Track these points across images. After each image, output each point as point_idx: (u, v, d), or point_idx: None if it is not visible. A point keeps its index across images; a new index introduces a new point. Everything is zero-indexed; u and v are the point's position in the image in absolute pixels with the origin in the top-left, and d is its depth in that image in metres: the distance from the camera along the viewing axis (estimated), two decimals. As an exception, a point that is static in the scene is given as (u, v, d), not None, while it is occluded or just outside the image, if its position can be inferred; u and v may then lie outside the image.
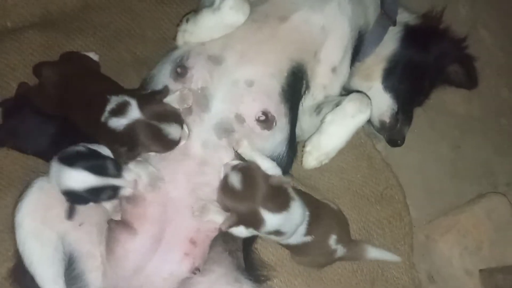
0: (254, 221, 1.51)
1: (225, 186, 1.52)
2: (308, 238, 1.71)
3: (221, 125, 1.63)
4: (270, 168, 1.59)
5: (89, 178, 1.47)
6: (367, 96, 1.71)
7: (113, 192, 1.53)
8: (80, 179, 1.47)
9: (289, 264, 1.92)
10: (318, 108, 1.78)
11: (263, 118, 1.65)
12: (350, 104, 1.66)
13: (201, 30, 1.68)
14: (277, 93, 1.67)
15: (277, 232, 1.57)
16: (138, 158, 1.60)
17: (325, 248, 1.78)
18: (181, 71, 1.67)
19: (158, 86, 1.72)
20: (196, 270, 1.65)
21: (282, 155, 1.74)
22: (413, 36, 1.97)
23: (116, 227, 1.64)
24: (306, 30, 1.72)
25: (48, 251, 1.54)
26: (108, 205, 1.64)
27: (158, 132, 1.50)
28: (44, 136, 1.73)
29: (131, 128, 1.50)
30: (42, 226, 1.54)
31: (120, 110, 1.51)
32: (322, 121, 1.67)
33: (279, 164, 1.69)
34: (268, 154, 1.68)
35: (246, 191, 1.50)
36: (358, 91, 1.88)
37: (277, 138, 1.70)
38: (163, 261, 1.63)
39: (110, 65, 1.99)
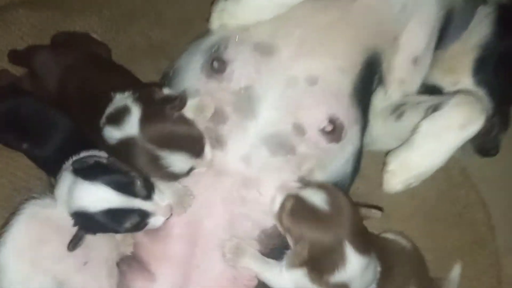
0: (334, 259, 1.11)
1: (297, 208, 1.13)
2: None
3: (273, 138, 1.22)
4: None
5: (112, 197, 1.11)
6: (478, 98, 1.28)
7: (140, 219, 1.15)
8: (100, 197, 1.11)
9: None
10: (398, 111, 1.37)
11: (329, 127, 1.23)
12: (458, 110, 1.25)
13: (246, 9, 1.28)
14: (347, 94, 1.26)
15: None
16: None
17: (403, 307, 1.38)
18: (218, 66, 1.26)
19: (185, 84, 1.32)
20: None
21: (347, 175, 1.34)
22: (509, 18, 1.54)
23: (128, 269, 1.27)
24: (384, 9, 1.31)
25: None
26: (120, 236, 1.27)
27: (155, 160, 1.13)
28: (56, 132, 1.33)
29: (125, 145, 1.13)
30: (33, 269, 1.18)
31: (117, 117, 1.14)
32: (414, 132, 1.26)
33: (341, 185, 1.30)
34: (332, 176, 1.28)
35: (335, 215, 1.11)
36: (436, 89, 1.48)
37: (346, 153, 1.30)
38: None
39: (118, 51, 1.62)
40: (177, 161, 1.13)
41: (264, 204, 1.21)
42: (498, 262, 1.66)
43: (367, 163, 1.48)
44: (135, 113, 1.13)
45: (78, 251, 1.20)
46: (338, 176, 1.31)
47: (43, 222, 1.20)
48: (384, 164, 1.31)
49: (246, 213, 1.22)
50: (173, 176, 1.16)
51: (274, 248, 1.25)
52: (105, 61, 1.50)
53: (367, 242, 1.15)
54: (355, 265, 1.11)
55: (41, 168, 1.37)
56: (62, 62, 1.38)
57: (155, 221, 1.17)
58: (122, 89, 1.20)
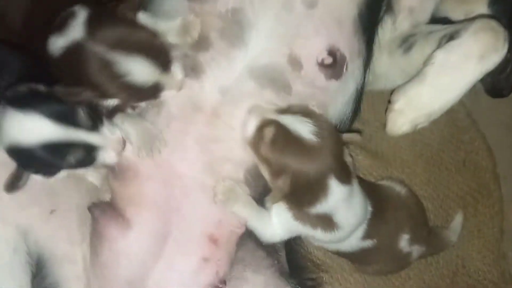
0: (316, 190, 1.02)
1: (279, 137, 1.00)
2: (369, 243, 1.20)
3: (265, 72, 1.05)
4: None
5: (49, 128, 0.94)
6: (499, 24, 1.11)
7: (85, 154, 0.99)
8: (35, 128, 0.94)
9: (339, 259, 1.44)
10: (406, 43, 1.21)
11: (329, 60, 1.06)
12: (478, 38, 1.07)
13: None
14: (351, 20, 1.08)
15: (329, 223, 1.07)
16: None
17: (394, 254, 1.28)
18: None
19: (165, 5, 1.12)
20: (221, 284, 1.13)
21: (347, 116, 1.18)
22: None
23: (102, 215, 1.11)
24: None
25: (4, 255, 1.05)
26: (94, 177, 1.13)
27: (107, 66, 0.94)
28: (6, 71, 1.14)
29: (71, 54, 0.95)
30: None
31: (61, 24, 0.96)
32: (427, 64, 1.08)
33: (341, 129, 1.15)
34: (333, 117, 1.13)
35: (321, 145, 1.00)
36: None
37: (346, 93, 1.14)
38: (170, 270, 1.11)
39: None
40: (136, 67, 0.94)
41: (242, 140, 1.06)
42: (502, 211, 1.57)
43: (363, 106, 1.32)
44: (81, 16, 0.96)
45: (44, 197, 1.08)
46: (335, 118, 1.16)
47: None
48: (389, 102, 1.15)
49: (223, 153, 1.07)
50: (135, 92, 0.98)
51: (263, 192, 1.12)
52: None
53: (348, 171, 1.05)
54: (337, 195, 1.03)
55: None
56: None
57: (104, 156, 1.01)
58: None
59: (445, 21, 1.34)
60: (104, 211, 1.10)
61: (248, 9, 1.04)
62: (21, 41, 1.24)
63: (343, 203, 1.04)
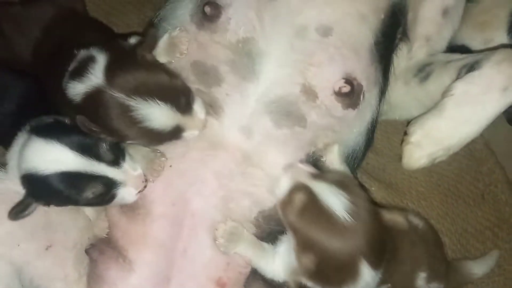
0: (344, 273, 0.92)
1: (310, 207, 0.91)
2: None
3: (279, 105, 1.02)
4: None
5: (69, 158, 0.91)
6: None
7: (105, 189, 0.94)
8: (55, 156, 0.91)
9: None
10: (423, 72, 1.16)
11: (346, 89, 1.01)
12: (501, 69, 1.02)
13: None
14: (367, 47, 1.05)
15: None
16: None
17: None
18: (210, 11, 1.03)
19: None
20: (228, 327, 1.06)
21: (360, 147, 1.14)
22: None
23: (100, 257, 1.06)
24: None
25: None
26: (90, 211, 1.08)
27: (126, 112, 0.91)
28: (11, 96, 1.14)
29: (91, 100, 0.93)
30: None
31: (80, 70, 0.94)
32: (445, 95, 1.03)
33: (353, 161, 1.12)
34: (347, 147, 1.08)
35: (354, 225, 0.89)
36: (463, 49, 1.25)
37: (362, 123, 1.09)
38: None
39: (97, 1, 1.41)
40: (154, 113, 0.91)
41: (268, 181, 1.01)
42: (523, 247, 1.49)
43: (377, 135, 1.28)
44: (101, 60, 0.93)
45: (40, 233, 1.02)
46: (349, 150, 1.11)
47: (-3, 197, 1.00)
48: (405, 133, 1.10)
49: (244, 190, 1.02)
50: (156, 136, 0.95)
51: (270, 232, 1.06)
52: (81, 17, 1.29)
53: (383, 252, 0.96)
54: (367, 280, 0.93)
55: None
56: (37, 21, 1.19)
57: (124, 193, 0.96)
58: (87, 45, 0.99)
59: (463, 49, 1.30)
60: (102, 252, 1.05)
61: (259, 38, 1.00)
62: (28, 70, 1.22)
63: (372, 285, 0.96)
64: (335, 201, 0.90)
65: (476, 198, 1.49)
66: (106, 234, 1.08)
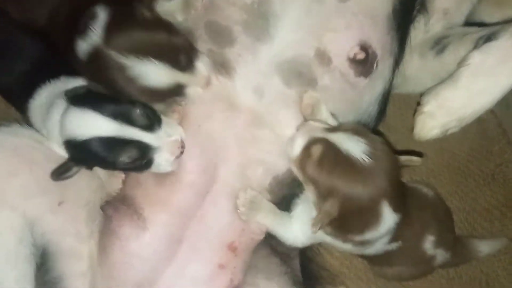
0: (366, 218, 0.93)
1: (328, 156, 0.91)
2: (394, 245, 1.11)
3: (291, 66, 1.01)
4: None
5: (104, 123, 0.93)
6: None
7: (141, 154, 0.95)
8: (91, 123, 0.94)
9: (358, 266, 1.39)
10: (439, 45, 1.14)
11: (361, 55, 1.01)
12: None
13: None
14: (384, 16, 1.03)
15: (362, 243, 1.01)
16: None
17: (418, 256, 1.21)
18: None
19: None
20: (234, 292, 1.08)
21: (372, 118, 1.13)
22: None
23: (115, 213, 1.07)
24: None
25: (9, 243, 1.00)
26: (103, 173, 1.09)
27: (122, 71, 0.93)
28: (23, 58, 1.14)
29: (94, 59, 0.94)
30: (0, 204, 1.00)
31: (85, 29, 0.94)
32: (461, 65, 1.02)
33: None
34: (355, 118, 1.08)
35: (375, 168, 0.89)
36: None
37: (374, 92, 1.08)
38: (183, 275, 1.05)
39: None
40: (149, 71, 0.91)
41: (279, 144, 1.01)
42: (531, 228, 1.49)
43: (390, 111, 1.27)
44: (102, 17, 0.93)
45: (53, 188, 1.03)
46: (361, 118, 1.11)
47: (10, 152, 1.02)
48: (418, 104, 1.09)
49: (259, 156, 1.02)
50: (156, 94, 0.95)
51: (284, 197, 1.07)
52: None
53: (403, 196, 0.96)
54: (389, 224, 0.94)
55: (5, 99, 1.18)
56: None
57: (161, 159, 0.97)
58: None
59: (481, 25, 1.28)
60: (117, 209, 1.06)
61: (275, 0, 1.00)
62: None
63: (392, 229, 0.97)
64: (353, 145, 0.90)
65: (486, 177, 1.50)
66: (119, 191, 1.08)
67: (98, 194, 1.10)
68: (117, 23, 0.94)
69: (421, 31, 1.16)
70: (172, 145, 0.97)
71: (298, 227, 1.03)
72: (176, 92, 0.97)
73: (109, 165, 0.98)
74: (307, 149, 0.93)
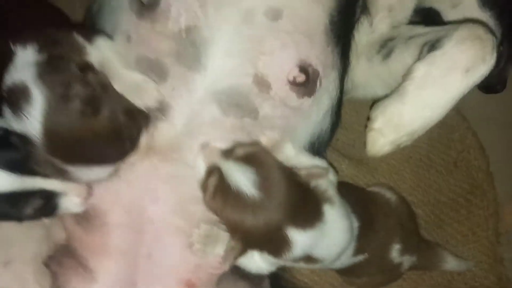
0: (276, 244, 0.91)
1: (221, 189, 0.88)
2: (360, 257, 1.10)
3: (229, 96, 0.94)
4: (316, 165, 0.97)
5: (4, 179, 0.85)
6: (486, 30, 0.98)
7: (44, 201, 0.90)
8: None
9: (329, 272, 1.34)
10: (385, 48, 1.09)
11: (301, 78, 0.94)
12: (463, 49, 0.94)
13: None
14: (322, 29, 0.96)
15: (309, 259, 0.98)
16: None
17: (385, 265, 1.19)
18: (148, 0, 0.93)
19: (112, 24, 1.00)
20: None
21: (324, 132, 1.07)
22: None
23: (60, 269, 1.01)
24: None
25: None
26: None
27: (62, 173, 0.88)
28: None
29: (26, 144, 0.86)
30: None
31: (15, 101, 0.84)
32: (407, 77, 0.96)
33: (319, 144, 1.06)
34: (306, 139, 1.02)
35: (265, 199, 0.87)
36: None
37: (321, 109, 1.02)
38: None
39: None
40: (91, 173, 0.87)
41: None
42: (497, 213, 1.47)
43: (345, 109, 1.22)
44: (37, 101, 0.82)
45: None
46: (312, 137, 1.05)
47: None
48: (368, 118, 1.03)
49: (192, 192, 0.95)
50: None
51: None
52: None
53: (313, 210, 0.93)
54: (303, 243, 0.91)
55: None
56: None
57: (68, 203, 0.92)
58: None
59: (431, 12, 1.22)
60: (61, 263, 1.00)
61: (202, 26, 0.91)
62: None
63: (317, 242, 0.93)
64: (241, 177, 0.86)
65: (449, 166, 1.46)
66: (65, 241, 1.02)
67: (44, 245, 1.03)
68: (57, 120, 0.83)
69: (366, 34, 1.10)
70: (78, 187, 0.92)
71: (257, 256, 0.98)
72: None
73: (13, 219, 0.91)
74: (206, 178, 0.90)
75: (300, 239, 0.90)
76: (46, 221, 1.02)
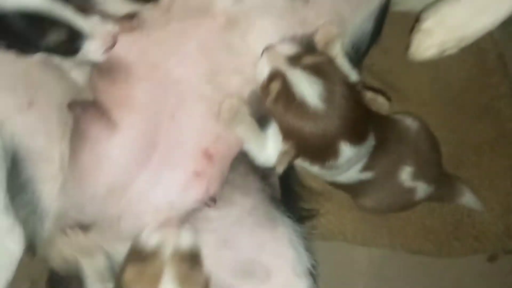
0: (324, 154, 0.97)
1: (283, 95, 0.91)
2: (367, 175, 1.12)
3: None
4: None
5: None
6: None
7: (68, 37, 0.88)
8: None
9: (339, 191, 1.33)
10: None
11: None
12: None
13: None
14: None
15: (329, 166, 1.02)
16: None
17: (394, 186, 1.19)
18: None
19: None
20: (210, 201, 1.06)
21: (366, 35, 1.05)
22: None
23: (84, 115, 1.02)
24: None
25: None
26: (77, 74, 1.05)
27: None
28: None
29: None
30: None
31: None
32: None
33: (357, 50, 1.06)
34: (346, 35, 1.01)
35: (328, 112, 0.91)
36: None
37: (370, 5, 1.00)
38: (157, 181, 1.02)
39: None
40: None
41: (254, 57, 0.95)
42: (518, 165, 1.45)
43: (386, 32, 1.20)
44: None
45: (21, 89, 0.99)
46: (354, 36, 1.03)
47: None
48: (416, 22, 1.01)
49: (232, 64, 0.96)
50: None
51: (262, 115, 1.03)
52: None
53: (364, 130, 0.98)
54: (348, 156, 0.97)
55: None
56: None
57: (90, 47, 0.91)
58: None
59: None
60: (85, 109, 1.01)
61: None
62: None
63: (354, 158, 0.99)
64: (307, 87, 0.89)
65: (479, 110, 1.43)
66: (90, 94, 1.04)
67: (69, 95, 1.05)
68: None
69: None
70: (105, 34, 0.91)
71: (271, 148, 1.02)
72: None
73: (32, 44, 0.89)
74: (268, 82, 0.92)
75: (347, 153, 0.96)
76: (76, 77, 1.05)
